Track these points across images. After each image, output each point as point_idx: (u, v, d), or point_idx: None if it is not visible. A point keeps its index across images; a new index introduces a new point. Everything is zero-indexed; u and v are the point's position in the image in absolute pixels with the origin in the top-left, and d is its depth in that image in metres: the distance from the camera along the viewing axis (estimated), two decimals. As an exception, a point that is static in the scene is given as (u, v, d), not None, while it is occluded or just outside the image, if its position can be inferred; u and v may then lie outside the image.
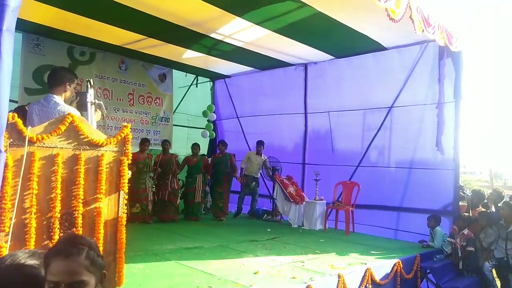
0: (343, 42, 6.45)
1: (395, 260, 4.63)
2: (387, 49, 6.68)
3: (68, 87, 3.00)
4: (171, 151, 7.59)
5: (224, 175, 7.69)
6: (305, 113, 8.08)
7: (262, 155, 7.93)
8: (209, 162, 7.95)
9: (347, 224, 6.45)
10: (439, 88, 6.23)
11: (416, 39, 6.19)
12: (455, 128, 6.05)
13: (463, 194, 6.27)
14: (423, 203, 6.24)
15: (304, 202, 7.13)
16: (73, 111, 2.92)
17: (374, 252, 5.07)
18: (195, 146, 7.61)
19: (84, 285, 1.24)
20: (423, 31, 4.73)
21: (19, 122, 2.31)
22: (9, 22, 2.08)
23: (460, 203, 6.06)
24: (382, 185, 6.83)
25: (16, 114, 2.31)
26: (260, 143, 7.94)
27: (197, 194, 7.37)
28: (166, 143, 7.44)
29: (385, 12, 4.28)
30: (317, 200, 6.93)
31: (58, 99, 2.91)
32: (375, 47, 6.59)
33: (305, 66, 7.94)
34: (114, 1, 4.96)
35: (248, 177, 7.88)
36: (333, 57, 7.36)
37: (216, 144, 9.63)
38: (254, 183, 7.91)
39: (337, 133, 7.59)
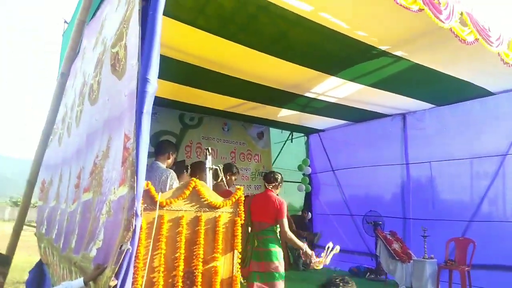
0: (444, 90, 6.22)
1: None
2: (495, 94, 6.27)
3: (171, 156, 3.61)
4: None
5: None
6: (406, 163, 7.75)
7: None
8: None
9: (464, 287, 5.83)
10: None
11: (527, 81, 5.78)
12: None
13: None
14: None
15: (411, 261, 6.65)
16: (170, 171, 3.34)
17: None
18: None
19: None
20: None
21: (152, 189, 2.62)
22: (148, 105, 2.45)
23: None
24: (501, 242, 6.10)
25: (150, 182, 2.63)
26: None
27: None
28: None
29: (492, 57, 4.12)
30: (427, 258, 6.43)
31: (160, 165, 3.48)
32: (480, 93, 6.23)
33: (403, 116, 7.74)
34: (219, 72, 5.51)
35: None
36: (433, 106, 7.10)
37: (311, 198, 9.68)
38: None
39: (442, 185, 7.10)
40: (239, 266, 2.92)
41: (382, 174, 8.07)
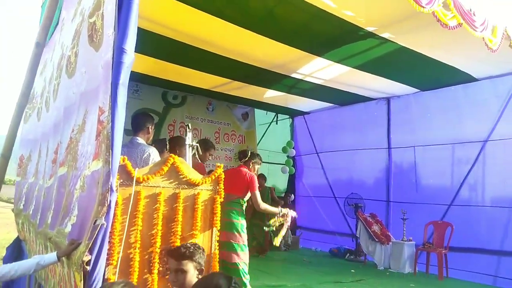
0: (429, 74, 6.23)
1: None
2: (478, 80, 6.31)
3: (150, 129, 3.42)
4: None
5: None
6: (389, 148, 7.81)
7: None
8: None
9: (440, 268, 5.97)
10: (542, 120, 5.70)
11: (510, 68, 5.82)
12: None
13: None
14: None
15: (390, 243, 6.77)
16: (153, 149, 3.22)
17: (473, 301, 4.63)
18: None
19: None
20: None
21: (128, 164, 2.56)
22: (124, 77, 2.36)
23: None
24: (478, 226, 6.24)
25: (126, 157, 2.56)
26: None
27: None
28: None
29: (478, 42, 4.11)
30: (405, 240, 6.55)
31: (141, 140, 3.31)
32: (464, 78, 6.25)
33: (388, 100, 7.76)
34: (203, 49, 5.39)
35: None
36: (418, 90, 7.12)
37: (294, 180, 9.71)
38: None
39: (424, 169, 7.19)
40: (218, 244, 2.91)
41: (366, 157, 8.12)
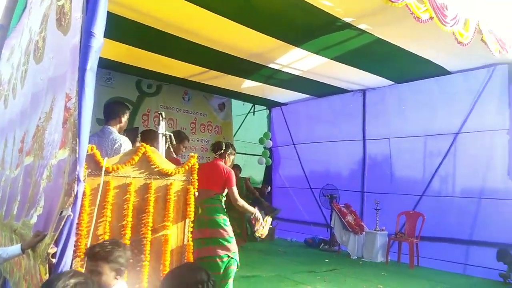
0: (404, 67, 6.30)
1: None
2: (452, 73, 6.42)
3: (123, 118, 3.26)
4: None
5: None
6: (363, 139, 7.90)
7: None
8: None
9: (411, 257, 6.12)
10: (510, 113, 5.86)
11: (482, 62, 5.93)
12: (529, 155, 5.62)
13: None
14: (496, 236, 5.76)
15: (363, 232, 6.89)
16: (124, 139, 3.11)
17: (442, 288, 4.77)
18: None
19: None
20: (500, 52, 4.54)
21: (97, 153, 2.46)
22: (92, 62, 2.27)
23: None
24: (448, 216, 6.42)
25: (94, 146, 2.47)
26: None
27: None
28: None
29: (452, 36, 4.16)
30: (378, 230, 6.67)
31: (113, 129, 3.16)
32: (438, 71, 6.36)
33: (363, 92, 7.82)
34: (179, 37, 5.27)
35: None
36: (393, 83, 7.20)
37: (271, 171, 9.72)
38: None
39: (397, 161, 7.31)
40: (191, 235, 2.86)
41: (342, 149, 8.19)
